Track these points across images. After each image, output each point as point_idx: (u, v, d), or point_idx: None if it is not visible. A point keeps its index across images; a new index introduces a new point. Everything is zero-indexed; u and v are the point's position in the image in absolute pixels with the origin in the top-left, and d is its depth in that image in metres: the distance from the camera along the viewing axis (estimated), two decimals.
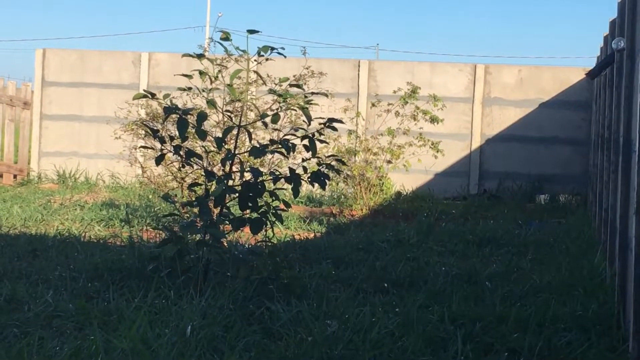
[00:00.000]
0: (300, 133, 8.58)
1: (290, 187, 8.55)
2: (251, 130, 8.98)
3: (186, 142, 9.02)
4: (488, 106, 20.15)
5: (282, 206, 8.68)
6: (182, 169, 12.64)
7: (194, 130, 8.50)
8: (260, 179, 8.36)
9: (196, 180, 11.62)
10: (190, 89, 8.88)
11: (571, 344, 6.53)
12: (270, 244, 9.13)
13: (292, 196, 8.89)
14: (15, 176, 20.85)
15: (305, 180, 8.58)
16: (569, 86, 19.86)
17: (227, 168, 8.55)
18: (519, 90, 20.08)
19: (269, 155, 11.85)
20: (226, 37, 8.53)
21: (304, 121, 8.80)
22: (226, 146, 8.65)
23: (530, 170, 19.75)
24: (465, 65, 20.58)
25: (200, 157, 8.80)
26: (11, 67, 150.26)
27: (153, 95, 8.42)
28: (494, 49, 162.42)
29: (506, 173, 19.84)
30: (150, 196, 16.41)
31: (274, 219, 8.60)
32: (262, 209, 8.47)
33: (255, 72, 9.32)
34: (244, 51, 8.71)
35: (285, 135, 8.65)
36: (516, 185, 19.54)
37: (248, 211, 8.50)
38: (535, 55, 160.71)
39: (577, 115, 19.62)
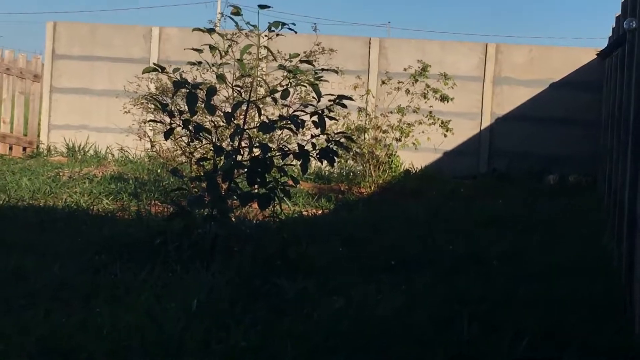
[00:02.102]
0: (309, 109, 8.55)
1: (298, 163, 8.53)
2: (261, 105, 8.97)
3: (195, 116, 9.00)
4: (498, 85, 20.08)
5: (290, 182, 8.67)
6: (191, 143, 12.62)
7: (203, 105, 8.48)
8: (269, 154, 8.35)
9: (205, 155, 11.61)
10: (200, 63, 8.85)
11: (577, 325, 6.51)
12: (278, 220, 9.12)
13: (301, 172, 8.87)
14: (24, 149, 20.87)
15: (313, 157, 8.55)
16: (580, 66, 19.76)
17: (236, 143, 8.53)
18: (529, 70, 20.00)
19: (278, 131, 11.85)
20: (237, 12, 8.49)
21: (313, 97, 8.77)
22: (235, 121, 8.63)
23: (540, 150, 19.68)
24: (476, 44, 20.50)
25: (209, 131, 8.79)
26: (22, 39, 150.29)
27: (163, 69, 8.39)
28: (506, 28, 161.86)
29: (516, 153, 19.78)
30: (159, 170, 16.42)
31: (282, 195, 8.60)
32: (270, 185, 8.45)
33: (265, 47, 9.29)
34: (254, 26, 8.68)
35: (294, 111, 8.62)
36: (525, 165, 19.47)
37: (256, 187, 8.49)
38: (547, 35, 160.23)
39: (587, 96, 19.52)
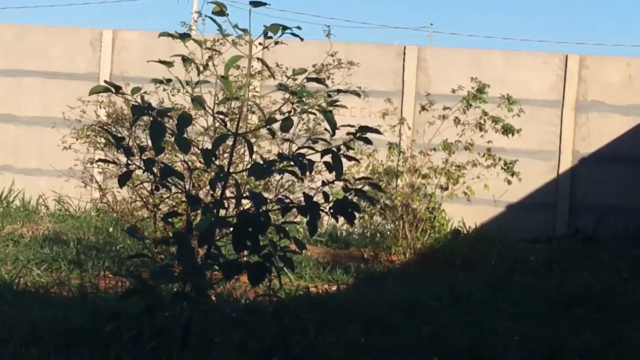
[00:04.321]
0: (320, 146, 8.57)
1: (305, 220, 8.53)
2: (253, 140, 9.02)
3: (162, 154, 9.04)
4: (583, 113, 20.11)
5: (293, 247, 8.68)
6: (155, 192, 12.66)
7: (173, 139, 8.50)
8: (264, 208, 8.37)
9: (175, 209, 11.65)
10: (169, 81, 8.86)
11: None
12: (275, 299, 9.12)
13: (308, 233, 8.87)
14: None
15: (326, 212, 8.56)
16: None
17: (218, 192, 8.55)
18: (627, 91, 20.00)
19: (277, 176, 11.87)
20: (221, 11, 8.54)
21: (326, 129, 8.81)
22: (218, 162, 8.66)
23: None
24: (553, 55, 20.56)
25: (181, 176, 8.79)
26: None
27: (117, 89, 8.42)
28: (594, 34, 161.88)
29: (608, 207, 19.75)
30: (111, 229, 16.44)
31: (281, 265, 8.59)
32: (265, 251, 8.45)
33: (260, 59, 9.30)
34: (244, 30, 8.72)
35: (299, 148, 8.65)
36: (621, 224, 19.42)
37: (246, 253, 8.50)
38: None
39: None
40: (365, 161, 16.48)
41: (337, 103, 8.55)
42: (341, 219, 8.60)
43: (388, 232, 17.43)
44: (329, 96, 8.59)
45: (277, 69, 14.07)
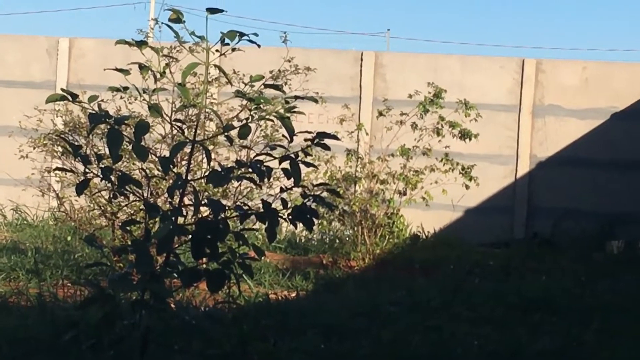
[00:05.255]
0: (278, 153, 8.57)
1: (263, 227, 8.53)
2: (210, 147, 9.00)
3: (120, 162, 9.00)
4: (540, 117, 20.17)
5: (252, 254, 8.67)
6: (113, 200, 12.62)
7: (130, 147, 8.48)
8: (223, 215, 8.36)
9: (133, 217, 11.61)
10: (126, 89, 8.84)
11: None
12: (235, 306, 9.11)
13: (267, 240, 8.87)
14: None
15: (284, 218, 8.56)
16: None
17: (176, 200, 8.54)
18: (583, 95, 20.09)
19: (235, 183, 11.86)
20: (177, 18, 8.52)
21: (283, 136, 8.82)
22: (175, 169, 8.65)
23: (599, 206, 19.73)
24: (509, 59, 20.61)
25: (139, 184, 8.77)
26: None
27: (74, 97, 8.40)
28: (550, 38, 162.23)
29: (565, 210, 19.82)
30: (69, 238, 16.37)
31: (240, 272, 8.59)
32: (224, 258, 8.45)
33: (217, 66, 9.30)
34: (201, 37, 8.71)
35: (257, 155, 8.64)
36: (579, 228, 19.49)
37: (205, 260, 8.49)
38: (607, 47, 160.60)
39: None
40: (323, 167, 16.48)
41: (295, 109, 8.54)
42: (300, 226, 8.60)
43: (347, 238, 17.44)
44: (287, 102, 8.59)
45: (235, 75, 14.08)
